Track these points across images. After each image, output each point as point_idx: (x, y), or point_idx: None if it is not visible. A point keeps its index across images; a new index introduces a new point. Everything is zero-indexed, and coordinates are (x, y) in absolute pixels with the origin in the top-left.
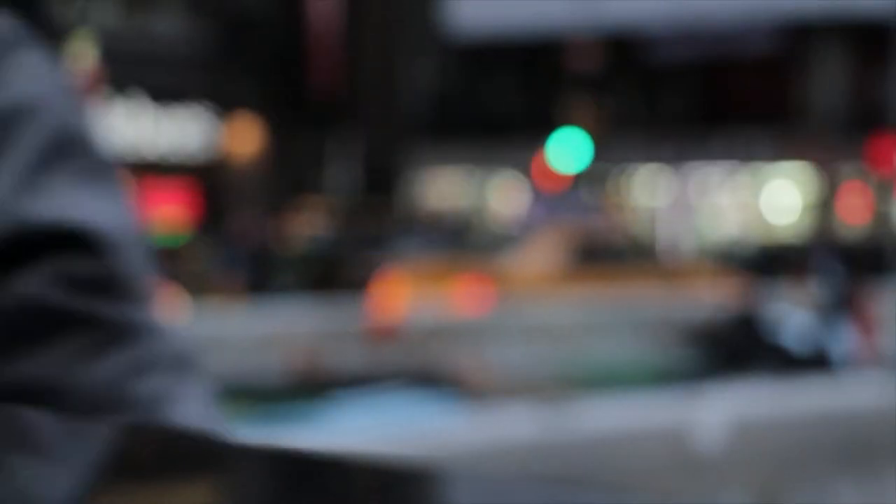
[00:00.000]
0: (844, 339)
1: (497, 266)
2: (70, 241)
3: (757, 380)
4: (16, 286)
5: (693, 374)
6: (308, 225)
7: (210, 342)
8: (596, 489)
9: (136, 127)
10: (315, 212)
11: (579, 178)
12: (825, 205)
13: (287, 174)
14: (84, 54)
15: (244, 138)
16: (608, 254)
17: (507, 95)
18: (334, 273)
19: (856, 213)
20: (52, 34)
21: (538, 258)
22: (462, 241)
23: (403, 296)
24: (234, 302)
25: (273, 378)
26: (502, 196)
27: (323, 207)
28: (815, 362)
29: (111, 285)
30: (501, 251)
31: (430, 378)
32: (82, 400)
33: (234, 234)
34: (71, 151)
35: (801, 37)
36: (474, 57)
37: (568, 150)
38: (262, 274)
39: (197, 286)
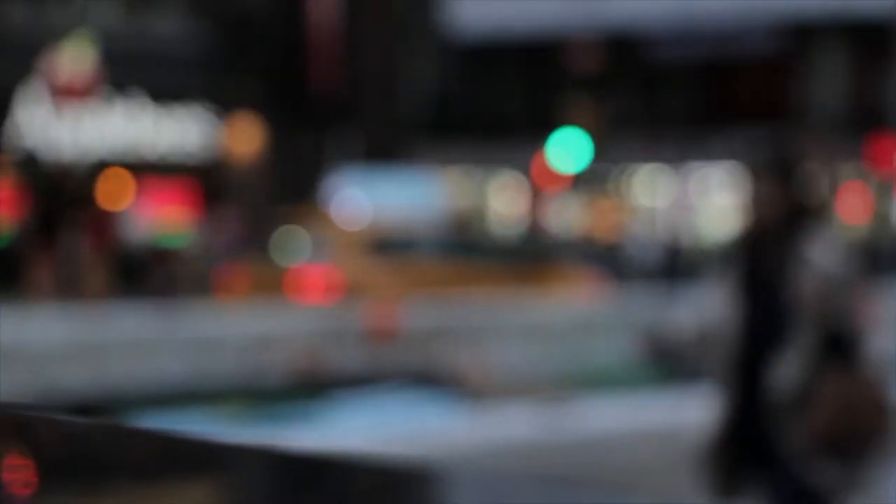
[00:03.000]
0: None
1: None
2: None
3: None
4: None
5: (693, 374)
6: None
7: (210, 342)
8: (596, 489)
9: (136, 127)
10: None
11: (579, 178)
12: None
13: (287, 174)
14: (84, 54)
15: (244, 138)
16: None
17: (507, 95)
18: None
19: (856, 213)
20: None
21: None
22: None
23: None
24: (234, 302)
25: (273, 378)
26: (502, 196)
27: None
28: None
29: None
30: None
31: (430, 378)
32: None
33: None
34: None
35: (801, 37)
36: (474, 57)
37: (568, 150)
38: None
39: (197, 286)
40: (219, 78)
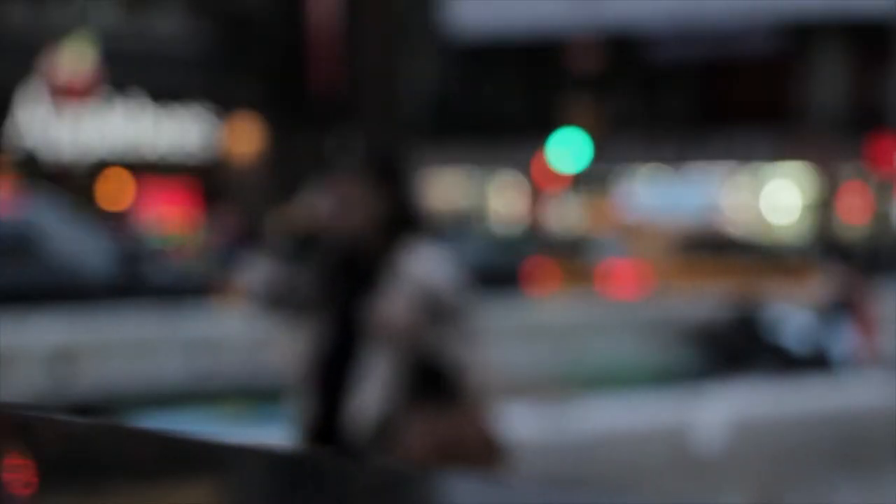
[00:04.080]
0: (844, 339)
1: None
2: None
3: (757, 380)
4: None
5: (693, 374)
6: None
7: (211, 342)
8: (596, 489)
9: (136, 127)
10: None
11: (580, 178)
12: (825, 205)
13: (287, 174)
14: (84, 54)
15: (244, 138)
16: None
17: (507, 96)
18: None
19: (856, 213)
20: None
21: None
22: None
23: None
24: (234, 302)
25: (273, 378)
26: (502, 196)
27: None
28: (815, 362)
29: None
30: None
31: None
32: None
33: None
34: None
35: (801, 37)
36: (475, 57)
37: (568, 150)
38: None
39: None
40: (219, 78)
